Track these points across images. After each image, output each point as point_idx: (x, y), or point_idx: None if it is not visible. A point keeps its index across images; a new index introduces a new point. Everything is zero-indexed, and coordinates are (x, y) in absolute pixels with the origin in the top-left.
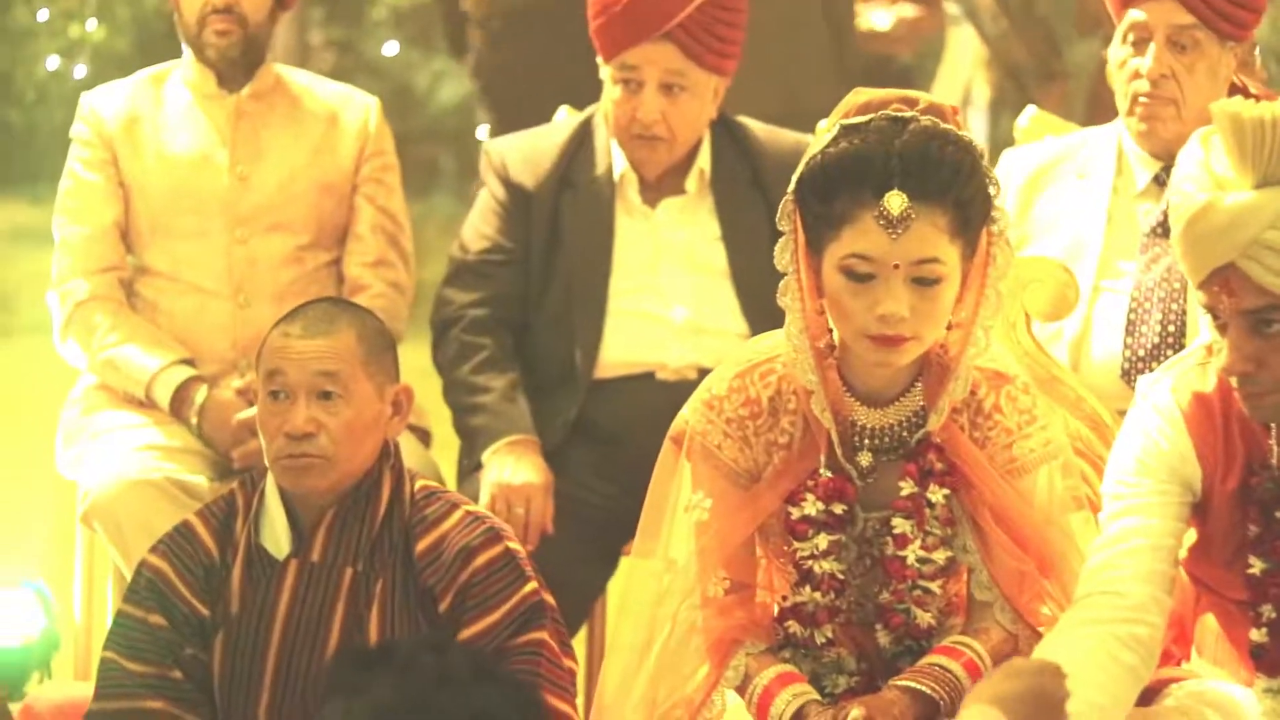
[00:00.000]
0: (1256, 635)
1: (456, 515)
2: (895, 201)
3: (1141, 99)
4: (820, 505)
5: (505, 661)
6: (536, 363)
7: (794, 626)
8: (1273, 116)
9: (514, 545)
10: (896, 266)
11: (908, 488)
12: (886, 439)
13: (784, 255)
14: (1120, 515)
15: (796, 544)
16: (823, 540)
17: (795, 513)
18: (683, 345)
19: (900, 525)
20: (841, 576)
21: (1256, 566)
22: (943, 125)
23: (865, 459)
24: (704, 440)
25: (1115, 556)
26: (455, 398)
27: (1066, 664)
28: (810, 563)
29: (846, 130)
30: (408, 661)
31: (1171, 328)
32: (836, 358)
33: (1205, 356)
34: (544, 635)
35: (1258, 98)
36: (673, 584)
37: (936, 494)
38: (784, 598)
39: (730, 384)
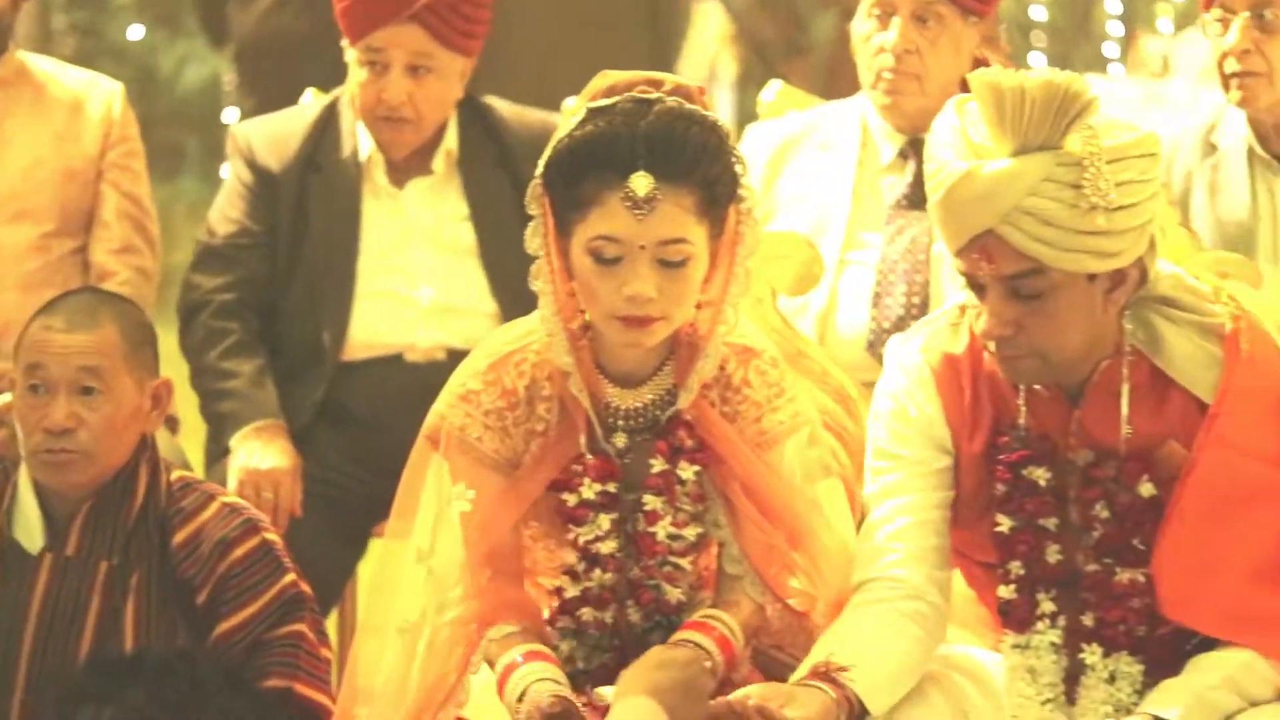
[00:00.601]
0: (1005, 592)
1: (214, 507)
2: (641, 183)
3: (885, 73)
4: (597, 487)
5: (263, 654)
6: (284, 346)
7: (587, 613)
8: (1031, 85)
9: (271, 536)
10: (643, 248)
11: (659, 465)
12: (640, 419)
13: (534, 239)
14: (884, 495)
15: (578, 530)
16: (604, 521)
17: (572, 499)
18: (431, 326)
19: (651, 502)
20: (620, 556)
21: (1004, 524)
22: (688, 105)
23: (621, 440)
24: (463, 435)
25: (886, 540)
26: (203, 383)
27: (854, 642)
28: (597, 545)
29: (592, 113)
30: (159, 669)
31: (916, 299)
32: (589, 339)
33: (958, 317)
34: (302, 627)
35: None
36: (435, 578)
37: (687, 470)
38: (559, 589)
39: (485, 377)
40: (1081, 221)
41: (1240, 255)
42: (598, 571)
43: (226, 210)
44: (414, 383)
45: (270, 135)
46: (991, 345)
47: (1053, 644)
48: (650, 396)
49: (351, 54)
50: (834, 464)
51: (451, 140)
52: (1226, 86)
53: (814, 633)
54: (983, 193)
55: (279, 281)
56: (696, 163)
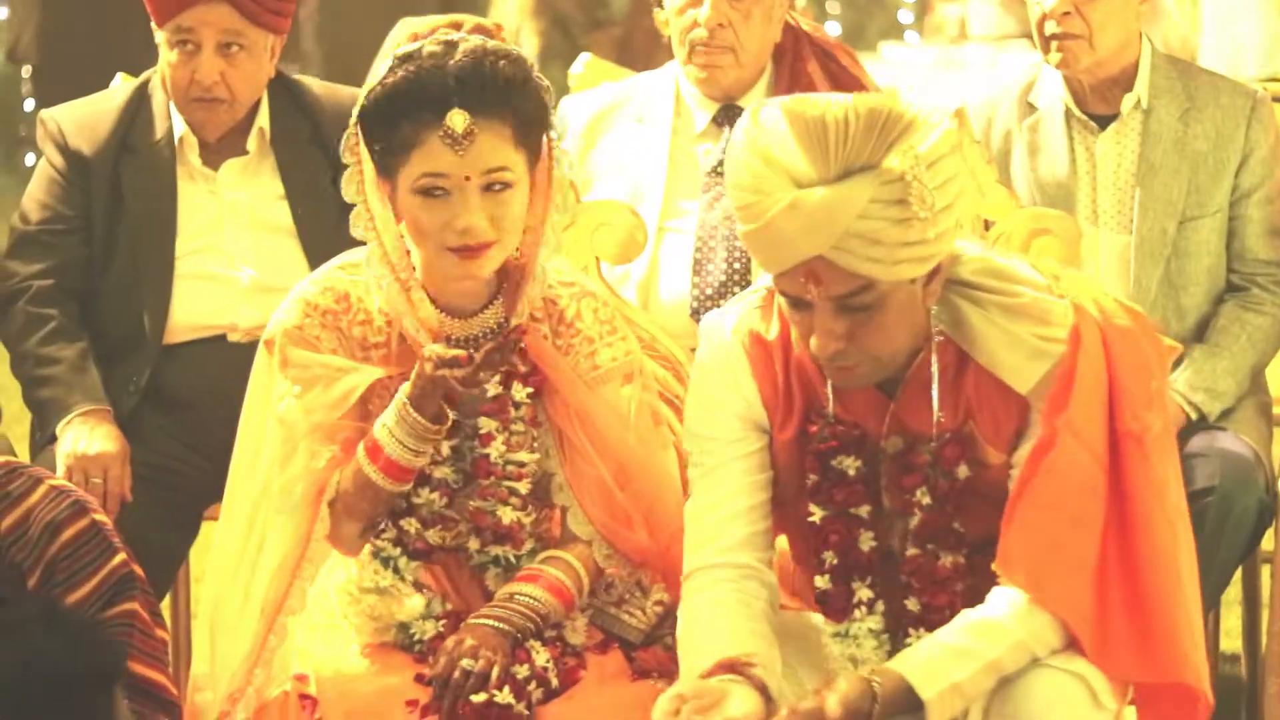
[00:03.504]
0: (820, 582)
1: (41, 490)
2: (458, 119)
3: (700, 48)
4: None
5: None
6: (106, 330)
7: (409, 524)
8: (854, 114)
9: (100, 517)
10: (469, 179)
11: (493, 389)
12: (474, 348)
13: (350, 186)
14: (704, 482)
15: None
16: (445, 447)
17: None
18: (252, 306)
19: (485, 424)
20: (453, 484)
21: (816, 515)
22: (492, 42)
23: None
24: (301, 333)
25: (714, 528)
26: (24, 370)
27: (709, 625)
28: (431, 468)
29: (400, 60)
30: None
31: (737, 265)
32: (419, 276)
33: (767, 299)
34: (135, 606)
35: (811, 35)
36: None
37: (520, 392)
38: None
39: (321, 284)
40: (909, 234)
41: (1059, 211)
42: (426, 491)
43: (40, 196)
44: (238, 363)
45: (81, 119)
46: (825, 360)
47: (872, 630)
48: (483, 327)
49: (160, 36)
50: (666, 412)
51: (264, 119)
52: (1046, 49)
53: (648, 588)
54: (810, 223)
55: (97, 266)
56: (508, 94)
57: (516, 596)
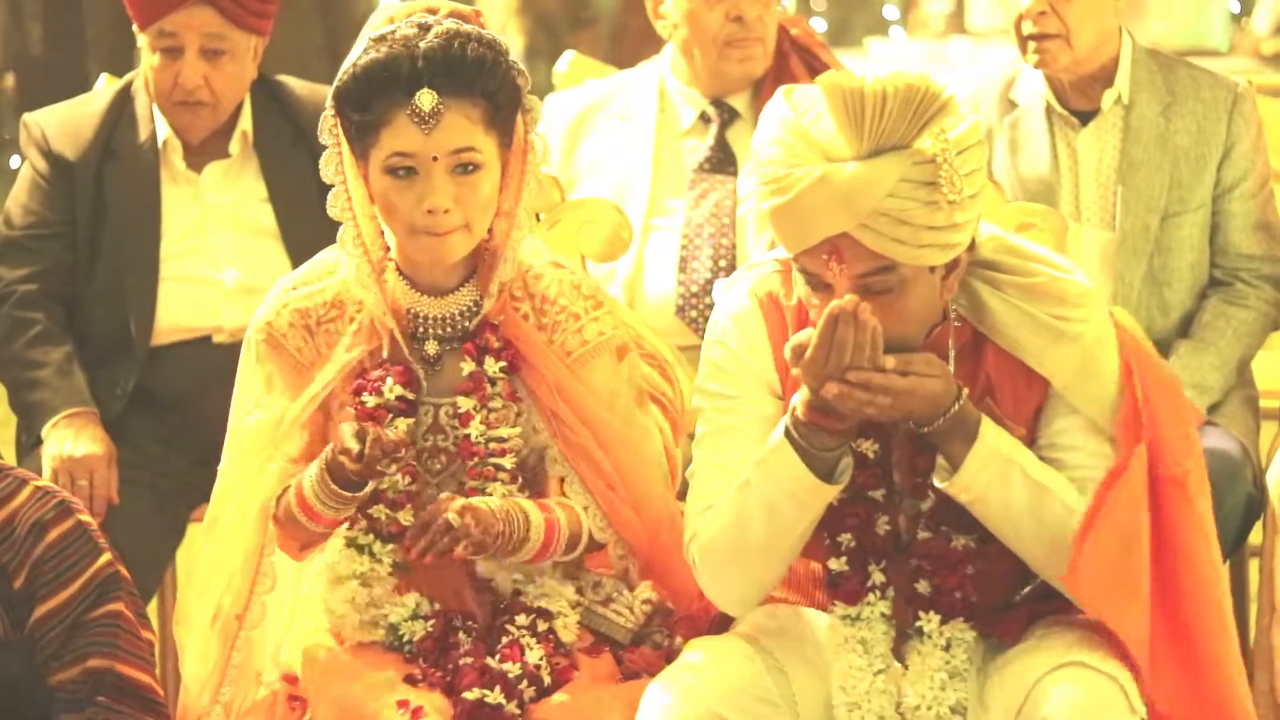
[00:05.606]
0: (836, 564)
1: (26, 491)
2: (426, 99)
3: (738, 40)
4: (398, 390)
5: (82, 635)
6: (91, 334)
7: (379, 511)
8: (892, 89)
9: (85, 518)
10: (435, 159)
11: (468, 366)
12: (449, 328)
13: (329, 167)
14: (713, 442)
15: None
16: (402, 425)
17: (371, 401)
18: (236, 307)
19: (463, 404)
20: (413, 462)
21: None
22: (466, 26)
23: (431, 348)
24: (271, 329)
25: (719, 491)
26: (10, 374)
27: None
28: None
29: (374, 41)
30: None
31: (723, 262)
32: (393, 257)
33: (785, 266)
34: (120, 606)
35: (788, 31)
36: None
37: (493, 367)
38: None
39: (298, 279)
40: (935, 218)
41: (1045, 206)
42: (393, 467)
43: (24, 201)
44: (223, 364)
45: (63, 123)
46: None
47: (883, 614)
48: (459, 306)
49: (143, 39)
50: (658, 389)
51: (247, 122)
52: (1024, 49)
53: (635, 583)
54: (839, 197)
55: (82, 270)
56: (477, 76)
57: (507, 500)
